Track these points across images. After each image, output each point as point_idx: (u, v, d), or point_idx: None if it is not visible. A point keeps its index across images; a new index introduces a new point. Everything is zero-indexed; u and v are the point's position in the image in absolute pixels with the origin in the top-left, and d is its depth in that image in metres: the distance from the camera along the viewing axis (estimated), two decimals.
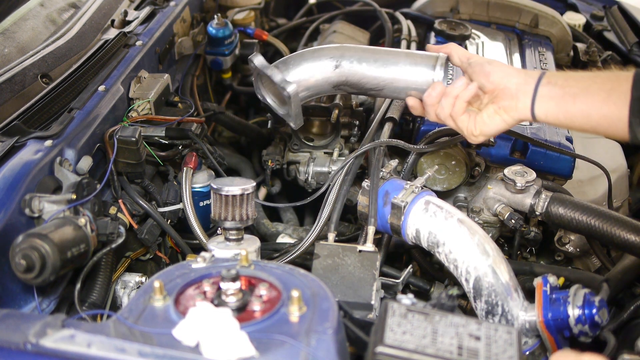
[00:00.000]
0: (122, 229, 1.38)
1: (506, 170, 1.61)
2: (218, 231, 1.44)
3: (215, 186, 1.37)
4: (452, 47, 1.43)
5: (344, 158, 1.81)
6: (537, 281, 1.29)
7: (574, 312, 1.22)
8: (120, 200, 1.50)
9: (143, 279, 1.49)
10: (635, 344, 1.24)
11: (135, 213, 1.53)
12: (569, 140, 1.73)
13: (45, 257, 1.14)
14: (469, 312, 1.54)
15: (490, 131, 1.34)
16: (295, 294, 1.01)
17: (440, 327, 1.01)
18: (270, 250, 1.70)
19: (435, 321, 1.03)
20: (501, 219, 1.62)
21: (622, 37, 2.39)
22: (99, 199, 1.39)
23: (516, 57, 2.10)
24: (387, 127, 1.74)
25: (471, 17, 2.32)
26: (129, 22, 1.96)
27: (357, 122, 1.93)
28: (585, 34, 2.45)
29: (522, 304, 1.30)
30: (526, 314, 1.28)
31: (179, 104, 1.83)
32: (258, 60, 1.50)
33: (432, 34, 2.15)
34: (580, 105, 1.21)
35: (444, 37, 2.08)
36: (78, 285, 1.28)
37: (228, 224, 1.37)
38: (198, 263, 1.17)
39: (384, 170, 1.53)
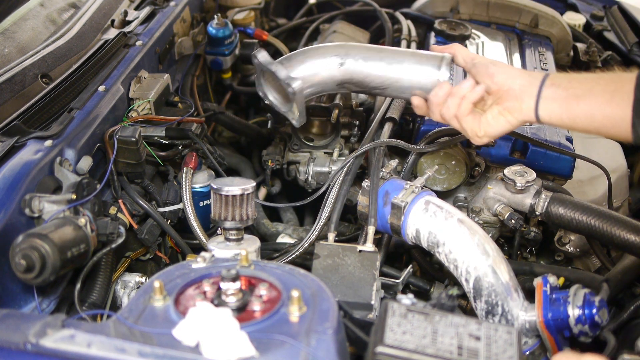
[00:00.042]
0: (122, 229, 1.38)
1: (506, 170, 1.61)
2: (218, 231, 1.44)
3: (215, 186, 1.37)
4: (456, 48, 1.42)
5: (344, 158, 1.81)
6: (537, 281, 1.29)
7: (574, 312, 1.22)
8: (120, 200, 1.50)
9: (143, 279, 1.49)
10: (635, 344, 1.24)
11: (135, 213, 1.53)
12: (569, 140, 1.73)
13: (45, 257, 1.14)
14: (469, 312, 1.54)
15: (495, 132, 1.34)
16: (295, 294, 1.01)
17: (440, 327, 1.01)
18: (270, 250, 1.70)
19: (435, 321, 1.03)
20: (501, 219, 1.61)
21: (622, 37, 2.39)
22: (99, 199, 1.39)
23: (516, 57, 2.10)
24: (387, 127, 1.74)
25: (471, 17, 2.32)
26: (129, 22, 1.96)
27: (357, 122, 1.94)
28: (585, 34, 2.45)
29: (522, 304, 1.30)
30: (526, 314, 1.28)
31: (179, 104, 1.83)
32: (262, 55, 1.48)
33: (432, 34, 2.15)
34: (584, 106, 1.21)
35: (444, 37, 2.08)
36: (78, 285, 1.28)
37: (228, 224, 1.37)
38: (198, 263, 1.17)
39: (384, 170, 1.53)
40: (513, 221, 1.58)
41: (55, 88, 1.61)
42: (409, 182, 1.48)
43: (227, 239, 1.39)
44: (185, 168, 1.67)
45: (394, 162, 1.58)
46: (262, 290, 1.08)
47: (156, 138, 1.67)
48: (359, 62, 1.47)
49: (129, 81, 1.71)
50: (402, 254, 1.79)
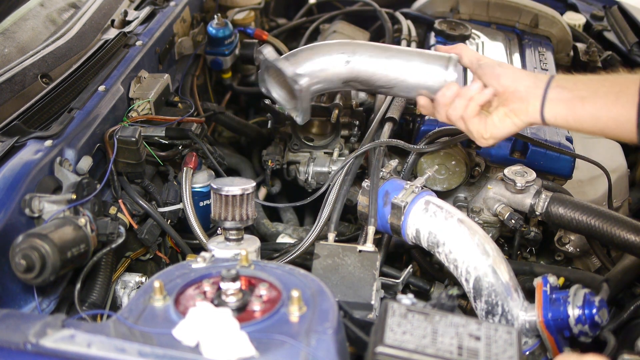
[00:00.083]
0: (122, 229, 1.38)
1: (506, 170, 1.61)
2: (218, 231, 1.44)
3: (215, 186, 1.37)
4: (462, 48, 1.42)
5: (344, 158, 1.81)
6: (537, 281, 1.29)
7: (574, 312, 1.22)
8: (120, 200, 1.50)
9: (143, 279, 1.49)
10: (635, 344, 1.24)
11: (135, 213, 1.53)
12: (569, 140, 1.73)
13: (45, 257, 1.14)
14: (469, 312, 1.54)
15: (501, 134, 1.34)
16: (295, 294, 1.01)
17: (440, 327, 1.01)
18: (270, 250, 1.70)
19: (435, 321, 1.03)
20: (501, 219, 1.61)
21: (622, 37, 2.39)
22: (99, 199, 1.39)
23: (516, 57, 2.10)
24: (387, 127, 1.74)
25: (471, 17, 2.32)
26: (129, 22, 1.96)
27: (357, 122, 1.93)
28: (585, 34, 2.45)
29: (522, 304, 1.30)
30: (526, 314, 1.28)
31: (179, 104, 1.83)
32: (268, 51, 1.46)
33: (432, 34, 2.15)
34: (589, 108, 1.22)
35: (444, 37, 2.08)
36: (78, 285, 1.28)
37: (228, 224, 1.37)
38: (198, 263, 1.17)
39: (384, 170, 1.53)
40: (513, 221, 1.58)
41: (55, 88, 1.61)
42: (409, 182, 1.48)
43: (227, 239, 1.39)
44: (185, 168, 1.67)
45: (394, 162, 1.58)
46: (262, 290, 1.08)
47: (156, 138, 1.67)
48: (365, 60, 1.46)
49: (129, 81, 1.71)
50: (402, 254, 1.79)
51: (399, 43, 2.19)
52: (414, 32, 2.24)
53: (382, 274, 1.56)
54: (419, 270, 1.76)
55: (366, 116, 1.97)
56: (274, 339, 0.97)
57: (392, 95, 1.65)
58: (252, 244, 1.39)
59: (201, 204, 1.73)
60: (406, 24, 2.29)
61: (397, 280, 1.44)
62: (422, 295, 1.66)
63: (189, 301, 1.07)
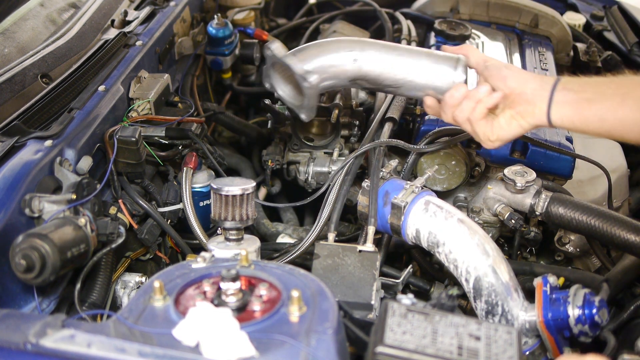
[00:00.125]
0: (122, 229, 1.38)
1: (506, 170, 1.61)
2: (218, 231, 1.44)
3: (215, 186, 1.37)
4: (469, 49, 1.42)
5: (344, 158, 1.81)
6: (537, 281, 1.29)
7: (574, 312, 1.22)
8: (120, 200, 1.50)
9: (143, 279, 1.49)
10: (635, 344, 1.24)
11: (135, 213, 1.53)
12: (569, 140, 1.73)
13: (45, 257, 1.14)
14: (469, 312, 1.54)
15: (507, 136, 1.34)
16: (295, 294, 1.01)
17: (440, 327, 1.01)
18: (270, 250, 1.70)
19: (435, 321, 1.03)
20: (501, 219, 1.61)
21: (622, 37, 2.39)
22: (99, 199, 1.39)
23: (516, 57, 2.10)
24: (387, 127, 1.74)
25: (471, 17, 2.32)
26: (129, 22, 1.96)
27: (357, 122, 1.93)
28: (585, 34, 2.45)
29: (522, 304, 1.30)
30: (526, 314, 1.28)
31: (179, 104, 1.83)
32: (276, 47, 1.44)
33: (432, 34, 2.15)
34: (595, 110, 1.22)
35: (444, 37, 2.08)
36: (78, 285, 1.28)
37: (228, 224, 1.37)
38: (198, 263, 1.17)
39: (384, 170, 1.53)
40: (513, 221, 1.58)
41: (55, 88, 1.61)
42: (409, 182, 1.48)
43: (227, 239, 1.39)
44: (185, 168, 1.67)
45: (394, 162, 1.58)
46: (262, 290, 1.08)
47: (156, 138, 1.67)
48: (373, 59, 1.44)
49: (129, 81, 1.71)
50: (402, 254, 1.79)
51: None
52: (414, 32, 2.24)
53: (382, 274, 1.56)
54: (419, 270, 1.76)
55: (366, 116, 1.97)
56: (274, 339, 0.97)
57: (398, 94, 1.64)
58: (252, 244, 1.39)
59: (201, 204, 1.73)
60: (406, 24, 2.29)
61: (397, 280, 1.44)
62: (422, 295, 1.66)
63: (189, 301, 1.07)
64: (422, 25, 2.34)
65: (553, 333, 1.25)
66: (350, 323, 1.12)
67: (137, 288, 1.47)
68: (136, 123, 1.64)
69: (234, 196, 1.36)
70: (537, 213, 1.59)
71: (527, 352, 1.30)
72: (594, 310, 1.22)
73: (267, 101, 1.90)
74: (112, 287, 1.46)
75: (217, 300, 1.05)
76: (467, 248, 1.34)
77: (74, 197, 1.29)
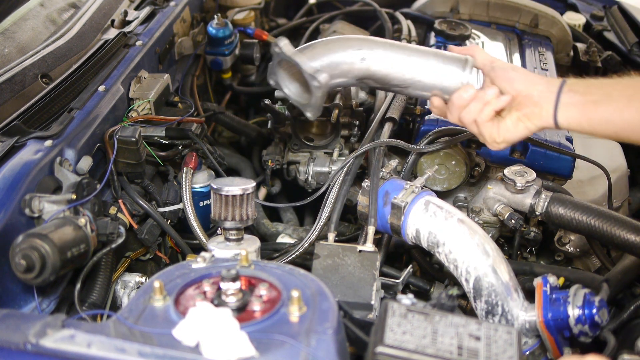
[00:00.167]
0: (122, 229, 1.38)
1: (506, 170, 1.61)
2: (218, 231, 1.44)
3: (215, 186, 1.37)
4: (475, 50, 1.41)
5: (344, 158, 1.81)
6: (537, 281, 1.29)
7: (574, 312, 1.22)
8: (120, 200, 1.50)
9: (143, 279, 1.49)
10: (635, 344, 1.24)
11: (135, 213, 1.53)
12: (569, 140, 1.73)
13: (45, 257, 1.14)
14: (469, 312, 1.54)
15: (513, 138, 1.33)
16: (295, 294, 1.01)
17: (440, 327, 1.01)
18: (270, 250, 1.70)
19: (435, 321, 1.03)
20: (501, 219, 1.61)
21: (622, 37, 2.39)
22: (99, 199, 1.39)
23: (516, 57, 2.10)
24: (387, 127, 1.74)
25: (471, 17, 2.32)
26: (129, 22, 1.96)
27: (357, 122, 1.93)
28: (585, 34, 2.45)
29: (522, 304, 1.30)
30: (526, 314, 1.28)
31: (179, 104, 1.83)
32: (284, 44, 1.41)
33: (432, 34, 2.15)
34: (602, 111, 1.22)
35: (444, 37, 2.08)
36: (78, 285, 1.28)
37: (228, 224, 1.37)
38: (198, 263, 1.17)
39: (384, 170, 1.53)
40: (513, 221, 1.58)
41: (55, 88, 1.61)
42: (409, 182, 1.48)
43: (227, 239, 1.39)
44: (185, 168, 1.67)
45: (394, 162, 1.58)
46: (262, 290, 1.08)
47: (156, 138, 1.67)
48: (382, 58, 1.43)
49: (129, 81, 1.71)
50: (402, 254, 1.79)
51: None
52: (414, 32, 2.24)
53: (382, 274, 1.56)
54: (419, 270, 1.76)
55: (366, 116, 1.97)
56: (274, 339, 0.97)
57: (405, 94, 1.63)
58: (252, 244, 1.39)
59: (201, 204, 1.73)
60: (406, 24, 2.29)
61: (397, 280, 1.44)
62: (422, 295, 1.66)
63: (189, 301, 1.07)
64: (422, 25, 2.34)
65: (553, 333, 1.25)
66: (350, 323, 1.12)
67: (137, 288, 1.47)
68: (136, 123, 1.64)
69: (234, 196, 1.36)
70: (537, 213, 1.59)
71: (527, 352, 1.30)
72: (594, 310, 1.22)
73: (267, 101, 1.90)
74: (112, 287, 1.46)
75: (217, 300, 1.05)
76: (467, 248, 1.34)
77: (74, 197, 1.29)
